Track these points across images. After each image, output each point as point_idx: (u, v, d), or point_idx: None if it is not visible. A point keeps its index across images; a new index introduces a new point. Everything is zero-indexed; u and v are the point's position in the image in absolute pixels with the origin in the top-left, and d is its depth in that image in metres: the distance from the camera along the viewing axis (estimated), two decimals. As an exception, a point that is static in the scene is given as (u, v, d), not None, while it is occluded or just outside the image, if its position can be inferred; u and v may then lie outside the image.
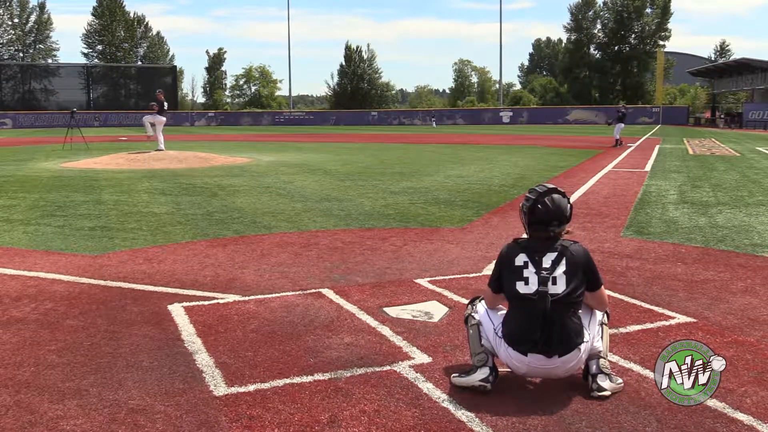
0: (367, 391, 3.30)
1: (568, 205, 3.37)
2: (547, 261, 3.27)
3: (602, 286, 3.41)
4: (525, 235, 3.46)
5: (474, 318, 3.48)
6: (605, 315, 3.54)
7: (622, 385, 3.33)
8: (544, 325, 3.21)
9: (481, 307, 3.52)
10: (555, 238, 3.34)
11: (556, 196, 3.34)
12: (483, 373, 3.30)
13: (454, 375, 3.41)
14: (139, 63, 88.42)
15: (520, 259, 3.30)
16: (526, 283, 3.26)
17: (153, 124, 20.25)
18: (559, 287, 3.22)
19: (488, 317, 3.46)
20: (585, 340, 3.30)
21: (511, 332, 3.31)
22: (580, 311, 3.35)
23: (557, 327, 3.21)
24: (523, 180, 13.38)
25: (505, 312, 3.44)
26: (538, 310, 3.21)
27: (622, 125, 26.53)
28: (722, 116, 60.76)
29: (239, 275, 5.60)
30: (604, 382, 3.26)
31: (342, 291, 5.11)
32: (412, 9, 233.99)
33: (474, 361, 3.38)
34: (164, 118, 20.32)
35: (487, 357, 3.36)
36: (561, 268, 3.25)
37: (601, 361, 3.33)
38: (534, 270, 3.26)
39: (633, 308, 4.68)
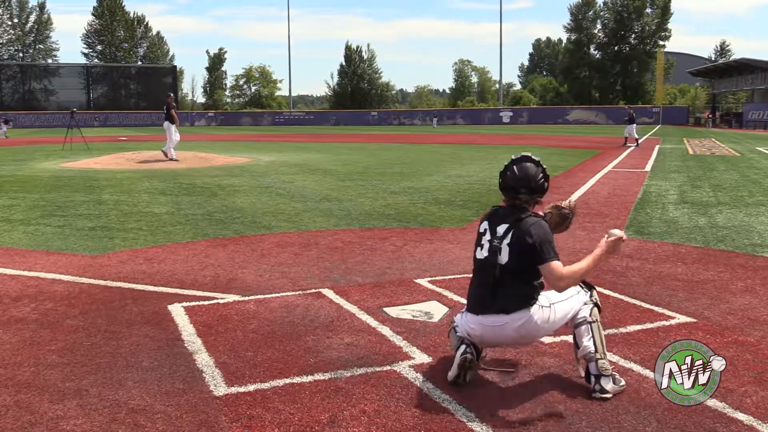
0: (367, 391, 3.30)
1: (541, 175, 3.39)
2: (500, 230, 3.36)
3: (551, 263, 3.25)
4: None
5: (454, 324, 3.58)
6: (594, 306, 3.47)
7: (625, 386, 3.33)
8: (493, 287, 3.31)
9: (456, 318, 3.61)
10: (520, 208, 3.37)
11: (526, 164, 3.40)
12: (461, 351, 3.36)
13: (449, 381, 3.38)
14: (139, 63, 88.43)
15: (483, 225, 3.47)
16: (482, 249, 3.41)
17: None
18: (503, 258, 3.31)
19: (460, 316, 3.57)
20: (542, 304, 3.33)
21: (469, 296, 3.51)
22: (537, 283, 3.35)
23: (505, 290, 3.30)
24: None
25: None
26: (489, 275, 3.33)
27: (634, 126, 26.70)
28: (710, 116, 61.67)
29: (239, 275, 5.60)
30: (607, 385, 3.25)
31: (342, 291, 5.11)
32: (411, 9, 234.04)
33: (455, 346, 3.43)
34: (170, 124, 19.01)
35: (463, 339, 3.42)
36: (507, 240, 3.32)
37: (601, 362, 3.30)
38: (489, 237, 3.39)
39: (633, 308, 4.68)
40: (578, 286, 3.50)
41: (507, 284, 3.29)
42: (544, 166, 3.44)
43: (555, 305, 3.38)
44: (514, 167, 3.39)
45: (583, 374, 3.39)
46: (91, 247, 6.82)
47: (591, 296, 3.54)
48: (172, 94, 20.34)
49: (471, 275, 3.54)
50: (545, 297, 3.37)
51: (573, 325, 3.43)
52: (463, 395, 3.24)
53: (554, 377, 3.48)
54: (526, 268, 3.30)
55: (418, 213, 9.07)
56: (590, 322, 3.41)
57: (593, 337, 3.37)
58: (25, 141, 33.63)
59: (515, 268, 3.29)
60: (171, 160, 18.15)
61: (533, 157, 3.43)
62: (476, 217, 8.69)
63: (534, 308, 3.31)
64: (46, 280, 5.47)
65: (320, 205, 9.83)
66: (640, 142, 26.56)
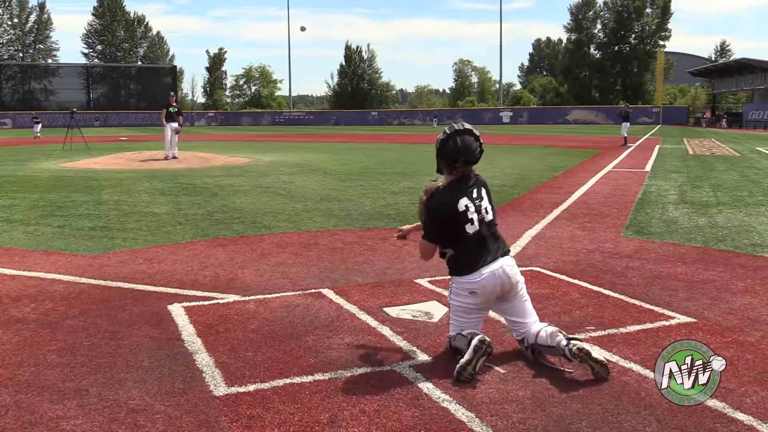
0: (367, 391, 3.30)
1: (478, 148, 3.72)
2: (474, 193, 3.70)
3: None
4: (437, 175, 3.81)
5: (451, 335, 3.73)
6: None
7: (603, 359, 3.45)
8: (486, 245, 3.68)
9: (450, 331, 3.76)
10: (467, 176, 3.72)
11: (467, 136, 3.68)
12: (478, 336, 3.47)
13: (455, 373, 3.39)
14: (139, 63, 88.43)
15: (462, 203, 3.65)
16: (472, 223, 3.66)
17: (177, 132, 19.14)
18: (490, 215, 3.74)
19: (456, 322, 3.73)
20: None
21: (464, 266, 3.67)
22: None
23: (495, 240, 3.73)
24: (523, 180, 13.37)
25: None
26: (483, 237, 3.68)
27: (628, 124, 26.73)
28: (703, 116, 62.64)
29: (239, 275, 5.60)
30: (586, 345, 3.47)
31: (342, 291, 5.11)
32: (411, 9, 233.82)
33: (467, 347, 3.45)
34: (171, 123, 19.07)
35: (476, 333, 3.57)
36: (486, 198, 3.74)
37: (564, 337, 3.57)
38: (474, 209, 3.66)
39: (633, 308, 4.68)
40: None
41: (495, 236, 3.75)
42: (481, 141, 3.76)
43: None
44: (457, 138, 3.67)
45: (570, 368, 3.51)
46: (91, 247, 6.82)
47: None
48: (172, 93, 20.49)
49: (431, 251, 3.82)
50: None
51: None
52: (463, 395, 3.25)
53: (554, 377, 3.48)
54: (495, 218, 3.78)
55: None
56: None
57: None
58: (25, 141, 33.63)
59: (495, 218, 3.77)
60: (166, 159, 18.44)
61: (474, 131, 3.73)
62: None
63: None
64: (46, 280, 5.47)
65: (320, 205, 9.83)
66: (628, 142, 26.40)
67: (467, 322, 3.69)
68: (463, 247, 3.68)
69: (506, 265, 3.67)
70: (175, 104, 19.35)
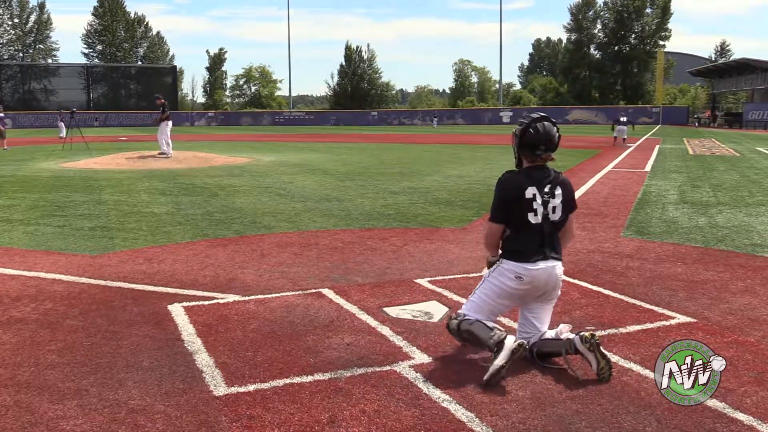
0: (367, 391, 3.30)
1: (557, 133, 3.68)
2: (546, 189, 3.62)
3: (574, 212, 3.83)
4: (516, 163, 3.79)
5: (468, 318, 3.65)
6: None
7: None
8: (546, 242, 3.64)
9: (465, 309, 3.74)
10: (545, 167, 3.68)
11: (547, 123, 3.64)
12: (510, 339, 3.43)
13: (485, 376, 3.36)
14: (139, 63, 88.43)
15: (530, 191, 3.60)
16: (536, 214, 3.60)
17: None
18: (557, 215, 3.65)
19: (477, 304, 3.71)
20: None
21: (520, 250, 3.64)
22: None
23: (554, 242, 3.68)
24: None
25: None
26: (544, 232, 3.63)
27: (624, 128, 27.18)
28: (696, 116, 63.83)
29: (239, 275, 5.60)
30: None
31: (342, 291, 5.11)
32: (411, 9, 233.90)
33: (492, 343, 3.44)
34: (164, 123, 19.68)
35: (502, 330, 3.56)
36: (558, 198, 3.64)
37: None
38: (540, 201, 3.60)
39: (633, 308, 4.68)
40: None
41: (556, 237, 3.70)
42: (558, 127, 3.72)
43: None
44: (537, 125, 3.61)
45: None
46: (91, 247, 6.82)
47: None
48: (157, 95, 21.03)
49: (497, 232, 3.70)
50: None
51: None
52: (463, 395, 3.25)
53: (554, 377, 3.48)
54: (564, 221, 3.70)
55: (418, 213, 9.07)
56: None
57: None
58: (25, 141, 33.62)
59: (561, 223, 3.68)
60: (161, 154, 18.83)
61: (551, 118, 3.69)
62: (477, 217, 8.69)
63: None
64: (46, 280, 5.47)
65: (320, 205, 9.83)
66: (617, 142, 26.80)
67: (491, 306, 3.67)
68: (523, 233, 3.64)
69: (558, 268, 3.68)
70: (162, 104, 19.81)
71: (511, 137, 3.76)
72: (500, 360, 3.34)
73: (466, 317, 3.66)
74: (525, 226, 3.61)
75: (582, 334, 3.45)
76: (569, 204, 3.72)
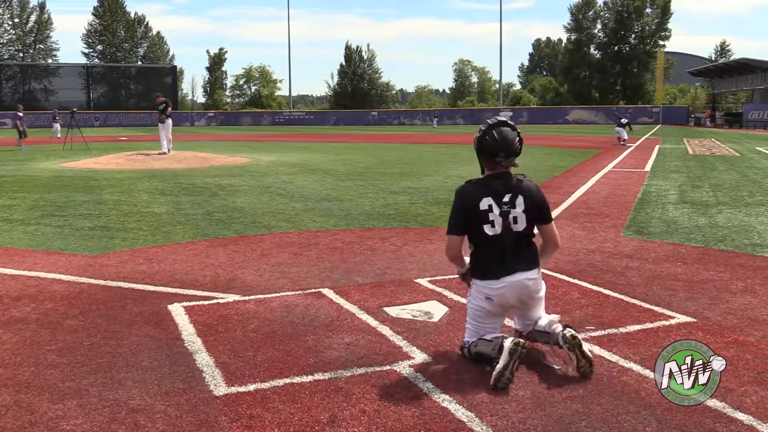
0: (367, 390, 3.30)
1: (517, 138, 3.59)
2: (506, 198, 3.53)
3: (552, 222, 3.73)
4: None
5: (472, 341, 3.64)
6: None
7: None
8: (508, 253, 3.54)
9: (467, 337, 3.70)
10: (507, 174, 3.59)
11: (504, 128, 3.58)
12: (509, 340, 3.39)
13: (491, 382, 3.31)
14: (139, 63, 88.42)
15: (485, 203, 3.52)
16: (492, 226, 3.53)
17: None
18: (520, 225, 3.55)
19: (473, 329, 3.67)
20: (539, 265, 3.68)
21: (483, 266, 3.59)
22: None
23: (521, 251, 3.57)
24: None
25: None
26: (505, 244, 3.54)
27: (622, 129, 27.38)
28: (693, 116, 64.33)
29: (239, 275, 5.60)
30: (572, 330, 3.49)
31: (342, 291, 5.11)
32: (411, 9, 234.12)
33: (494, 353, 3.42)
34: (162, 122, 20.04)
35: (500, 336, 3.54)
36: (520, 208, 3.53)
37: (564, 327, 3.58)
38: (498, 212, 3.52)
39: (633, 308, 4.68)
40: None
41: (520, 246, 3.57)
42: (519, 130, 3.64)
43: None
44: (493, 132, 3.55)
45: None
46: (91, 247, 6.82)
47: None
48: (157, 94, 21.33)
49: (457, 244, 3.66)
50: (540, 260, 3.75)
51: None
52: (463, 395, 3.24)
53: (554, 377, 3.48)
54: (531, 230, 3.59)
55: (418, 213, 9.07)
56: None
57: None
58: (25, 141, 33.57)
59: (527, 232, 3.57)
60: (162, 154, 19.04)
61: (509, 122, 3.63)
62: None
63: (538, 271, 3.67)
64: (46, 280, 5.47)
65: (320, 205, 9.83)
66: (626, 142, 27.10)
67: (485, 327, 3.63)
68: (481, 247, 3.58)
69: (529, 279, 3.56)
70: (161, 101, 20.04)
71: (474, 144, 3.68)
72: (500, 363, 3.32)
73: (470, 343, 3.63)
74: (483, 239, 3.54)
75: (564, 334, 3.46)
76: (536, 213, 3.59)
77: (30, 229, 7.87)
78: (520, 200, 3.53)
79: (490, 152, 3.54)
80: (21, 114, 27.15)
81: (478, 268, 3.62)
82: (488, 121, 3.64)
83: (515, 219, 3.52)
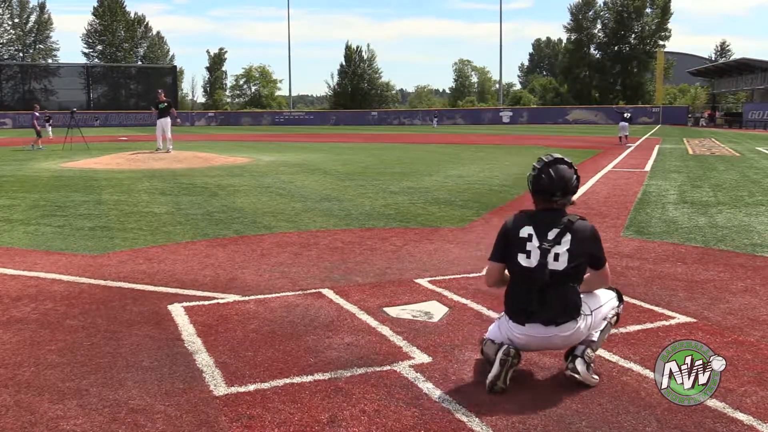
0: (367, 391, 3.30)
1: (574, 176, 3.36)
2: (551, 235, 3.28)
3: (606, 265, 3.45)
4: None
5: (484, 340, 3.54)
6: (615, 315, 3.56)
7: (597, 382, 3.35)
8: (541, 296, 3.26)
9: (490, 328, 3.59)
10: (560, 211, 3.34)
11: (561, 166, 3.33)
12: (503, 348, 3.28)
13: (487, 386, 3.28)
14: (139, 63, 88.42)
15: (525, 231, 3.32)
16: (528, 257, 3.29)
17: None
18: (560, 264, 3.25)
19: (496, 329, 3.52)
20: (585, 313, 3.36)
21: (511, 304, 3.39)
22: (583, 294, 3.38)
23: (555, 298, 3.27)
24: (523, 180, 13.32)
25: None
26: (537, 282, 3.27)
27: (627, 124, 27.32)
28: (690, 116, 64.80)
29: (239, 275, 5.60)
30: (581, 366, 3.30)
31: (342, 291, 5.11)
32: (411, 9, 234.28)
33: (493, 358, 3.36)
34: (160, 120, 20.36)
35: (502, 343, 3.38)
36: (565, 246, 3.26)
37: (589, 351, 3.36)
38: (537, 244, 3.28)
39: (633, 308, 4.68)
40: (613, 293, 3.61)
41: (555, 291, 3.27)
42: (576, 167, 3.42)
43: (594, 312, 3.43)
44: (550, 171, 3.31)
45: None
46: (91, 247, 6.82)
47: (619, 306, 3.62)
48: (160, 90, 21.71)
49: (496, 271, 3.45)
50: (586, 305, 3.39)
51: None
52: (462, 395, 3.24)
53: (554, 377, 3.48)
54: (578, 273, 3.32)
55: (418, 213, 9.07)
56: (610, 322, 3.54)
57: (602, 334, 3.47)
58: (25, 141, 33.61)
59: (568, 273, 3.27)
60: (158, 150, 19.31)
61: (566, 159, 3.38)
62: (477, 217, 8.69)
63: (580, 319, 3.34)
64: (46, 280, 5.47)
65: (320, 205, 9.83)
66: (627, 142, 27.13)
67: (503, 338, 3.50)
68: (515, 279, 3.38)
69: (561, 335, 3.29)
70: (164, 100, 20.39)
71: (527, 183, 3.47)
72: (493, 372, 3.27)
73: (485, 340, 3.53)
74: (517, 270, 3.33)
75: (574, 365, 3.34)
76: (586, 259, 3.31)
77: (30, 229, 7.87)
78: (567, 238, 3.26)
79: (547, 192, 3.31)
80: (38, 114, 27.84)
81: (507, 302, 3.43)
82: (543, 158, 3.38)
83: (556, 256, 3.24)
